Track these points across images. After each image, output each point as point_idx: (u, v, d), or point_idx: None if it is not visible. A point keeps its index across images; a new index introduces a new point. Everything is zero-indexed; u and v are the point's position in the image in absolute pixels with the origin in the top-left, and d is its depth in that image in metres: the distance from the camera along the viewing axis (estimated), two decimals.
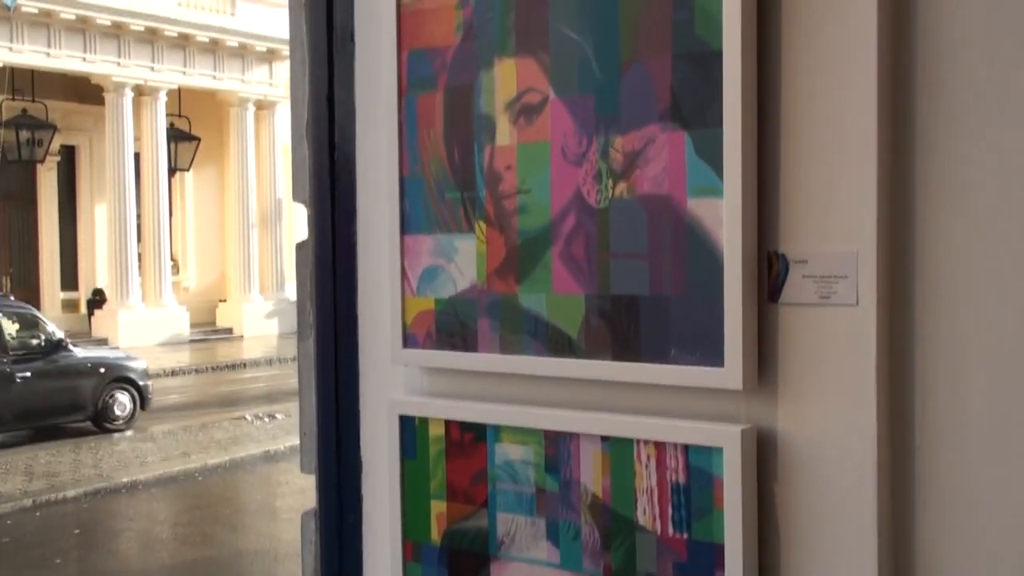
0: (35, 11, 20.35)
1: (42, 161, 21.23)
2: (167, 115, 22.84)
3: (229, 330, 24.06)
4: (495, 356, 1.47)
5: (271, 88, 24.59)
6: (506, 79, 1.43)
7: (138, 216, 21.77)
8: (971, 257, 1.20)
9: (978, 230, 1.19)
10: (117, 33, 21.25)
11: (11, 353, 13.27)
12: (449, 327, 1.51)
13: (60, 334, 14.13)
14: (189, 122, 23.59)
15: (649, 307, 1.33)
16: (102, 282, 22.37)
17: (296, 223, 23.72)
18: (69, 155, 23.02)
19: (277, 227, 24.94)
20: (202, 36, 22.83)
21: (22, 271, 22.19)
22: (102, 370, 14.09)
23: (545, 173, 1.40)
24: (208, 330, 23.79)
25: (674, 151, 1.29)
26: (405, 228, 1.55)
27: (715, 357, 1.27)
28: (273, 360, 20.25)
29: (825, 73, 1.23)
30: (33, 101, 21.44)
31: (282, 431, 13.48)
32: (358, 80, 1.65)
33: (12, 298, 16.48)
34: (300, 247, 1.78)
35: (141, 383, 14.31)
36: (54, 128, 21.19)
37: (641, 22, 1.31)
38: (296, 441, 1.88)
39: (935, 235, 1.22)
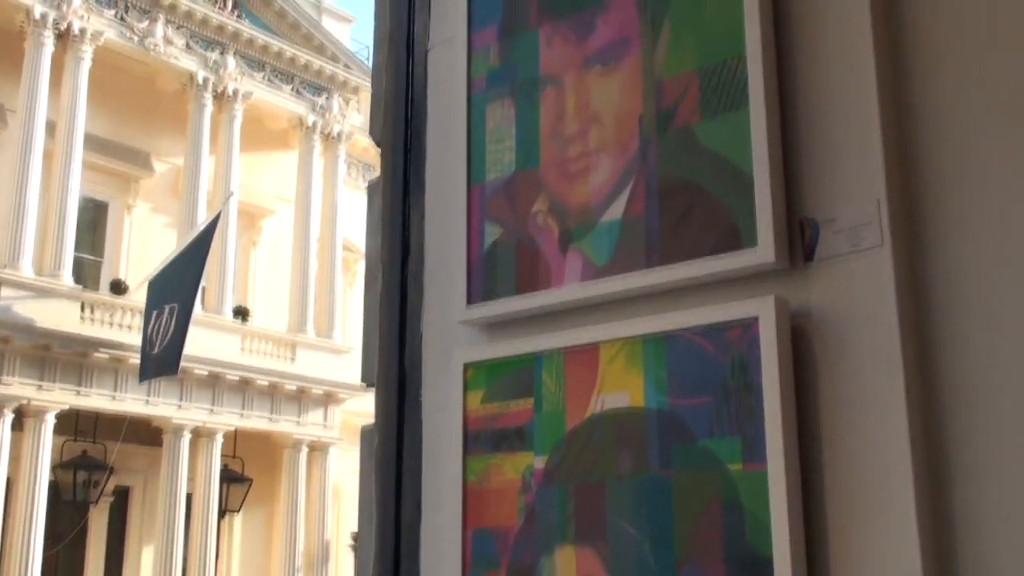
0: (106, 357, 21.37)
1: (95, 502, 21.43)
2: (221, 456, 23.21)
3: None
4: None
5: (325, 430, 25.05)
6: (565, 566, 1.49)
7: (184, 560, 21.57)
8: None
9: None
10: (181, 377, 22.06)
11: None
12: None
13: None
14: (243, 463, 23.93)
15: None
16: None
17: (342, 566, 23.45)
18: (122, 496, 23.21)
19: (323, 571, 24.50)
20: (262, 380, 23.64)
21: None
22: None
23: None
24: None
25: None
26: None
27: None
28: None
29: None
30: (94, 442, 22.01)
31: None
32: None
33: None
34: None
35: None
36: (111, 469, 21.58)
37: (694, 524, 1.38)
38: None
39: None
